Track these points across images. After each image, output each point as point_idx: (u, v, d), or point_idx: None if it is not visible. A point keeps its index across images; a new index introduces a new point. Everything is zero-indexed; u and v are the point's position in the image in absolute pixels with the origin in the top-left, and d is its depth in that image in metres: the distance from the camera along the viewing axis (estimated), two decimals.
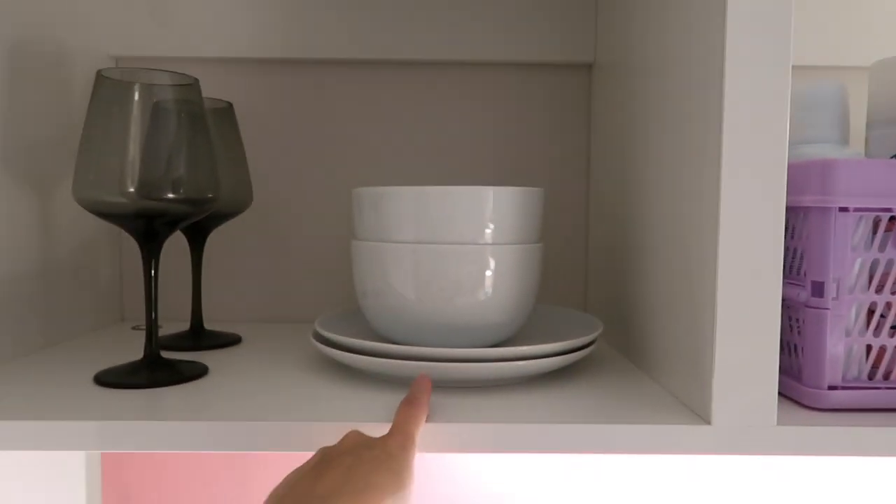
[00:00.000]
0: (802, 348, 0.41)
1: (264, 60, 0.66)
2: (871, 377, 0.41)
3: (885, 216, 0.40)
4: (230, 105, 0.57)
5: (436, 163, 0.67)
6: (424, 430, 0.37)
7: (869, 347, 0.42)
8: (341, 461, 0.32)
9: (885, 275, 0.41)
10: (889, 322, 0.41)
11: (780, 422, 0.38)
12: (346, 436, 0.35)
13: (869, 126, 0.43)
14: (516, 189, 0.47)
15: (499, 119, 0.67)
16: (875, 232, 0.41)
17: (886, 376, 0.42)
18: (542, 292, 0.68)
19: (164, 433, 0.37)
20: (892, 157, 0.42)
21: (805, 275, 0.41)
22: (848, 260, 0.40)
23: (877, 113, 0.42)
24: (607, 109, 0.59)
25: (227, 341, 0.56)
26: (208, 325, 0.66)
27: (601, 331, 0.51)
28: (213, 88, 0.67)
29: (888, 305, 0.41)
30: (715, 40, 0.37)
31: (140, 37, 0.65)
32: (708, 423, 0.37)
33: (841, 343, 0.40)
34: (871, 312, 0.41)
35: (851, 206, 0.39)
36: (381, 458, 0.32)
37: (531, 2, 0.65)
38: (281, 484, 0.32)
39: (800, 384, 0.41)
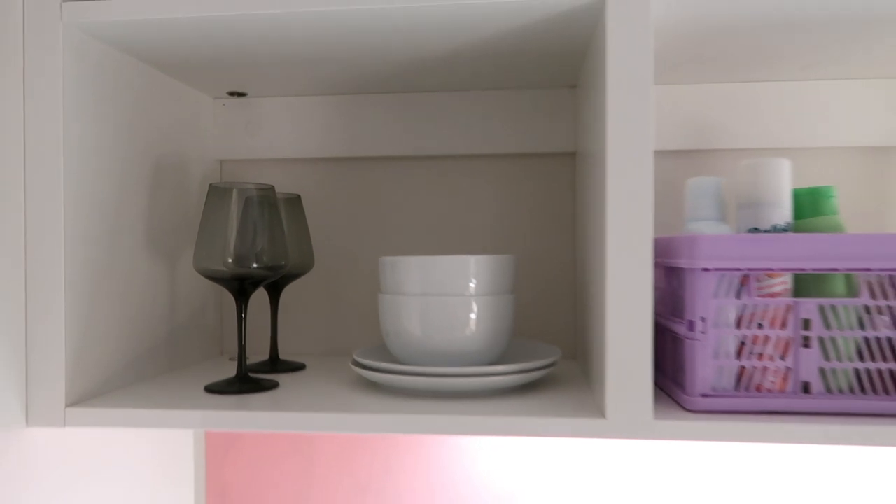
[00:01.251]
0: (685, 367, 0.58)
1: (324, 159, 0.89)
2: (746, 389, 0.57)
3: (738, 274, 0.57)
4: (298, 196, 0.79)
5: (457, 234, 0.87)
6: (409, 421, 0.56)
7: (742, 367, 0.58)
8: None
9: (752, 315, 0.57)
10: (749, 349, 0.57)
11: (657, 417, 0.55)
12: None
13: (738, 207, 0.60)
14: (491, 256, 0.66)
15: (504, 200, 0.87)
16: (743, 285, 0.57)
17: (757, 389, 0.57)
18: (541, 333, 0.86)
19: (246, 418, 0.58)
20: (748, 231, 0.59)
21: (684, 315, 0.58)
22: (711, 305, 0.57)
23: (740, 198, 0.59)
24: (580, 189, 0.78)
25: (295, 367, 0.77)
26: (282, 356, 0.87)
27: (556, 358, 0.68)
28: (287, 182, 0.90)
29: (755, 338, 0.57)
30: (602, 135, 0.55)
31: (238, 145, 0.89)
32: (604, 417, 0.55)
33: (710, 364, 0.57)
34: (743, 342, 0.57)
35: (711, 266, 0.56)
36: None
37: (527, 104, 0.85)
38: None
39: (684, 393, 0.58)
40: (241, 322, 0.67)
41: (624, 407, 0.54)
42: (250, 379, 0.67)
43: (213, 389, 0.66)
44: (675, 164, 0.84)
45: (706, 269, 0.56)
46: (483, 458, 0.88)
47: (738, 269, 0.56)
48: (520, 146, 0.85)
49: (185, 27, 0.62)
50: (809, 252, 0.55)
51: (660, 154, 0.84)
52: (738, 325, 0.57)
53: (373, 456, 0.89)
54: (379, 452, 0.89)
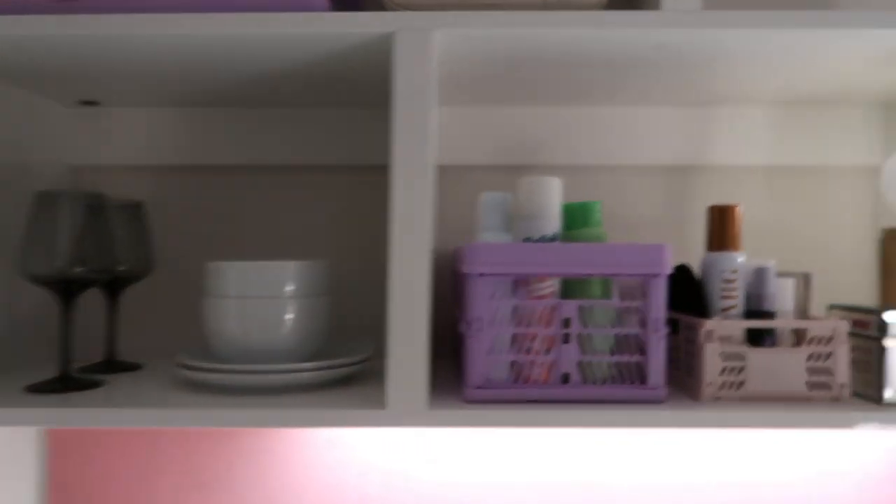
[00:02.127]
0: (465, 362, 0.65)
1: (172, 167, 0.92)
2: (516, 381, 0.65)
3: (511, 278, 0.64)
4: (139, 203, 0.83)
5: (288, 240, 0.92)
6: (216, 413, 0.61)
7: (514, 362, 0.65)
8: None
9: (523, 315, 0.64)
10: (525, 345, 0.65)
11: (433, 407, 0.61)
12: None
13: (519, 218, 0.67)
14: (304, 262, 0.71)
15: (332, 208, 0.92)
16: (516, 287, 0.64)
17: (525, 380, 0.65)
18: (377, 332, 0.92)
19: (60, 415, 0.61)
20: (524, 240, 0.66)
21: (465, 316, 0.65)
22: (486, 306, 0.64)
23: (520, 211, 0.67)
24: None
25: (129, 368, 0.80)
26: (126, 359, 0.90)
27: (366, 355, 0.74)
28: (138, 189, 0.93)
29: (525, 335, 0.64)
30: (390, 150, 0.62)
31: (90, 153, 0.92)
32: (384, 408, 0.61)
33: (484, 359, 0.64)
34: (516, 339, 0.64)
35: (487, 271, 0.63)
36: None
37: (355, 121, 0.91)
38: None
39: (463, 385, 0.65)
40: (64, 324, 0.70)
41: (402, 397, 0.61)
42: (72, 378, 0.70)
43: (34, 389, 0.68)
44: (504, 178, 0.92)
45: (482, 274, 0.64)
46: (328, 452, 0.93)
47: (510, 274, 0.64)
48: (344, 159, 0.91)
49: (31, 42, 0.65)
50: (569, 259, 0.63)
51: (488, 169, 0.92)
52: (512, 323, 0.64)
53: (215, 451, 0.93)
54: (221, 448, 0.93)
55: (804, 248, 0.91)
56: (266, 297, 0.70)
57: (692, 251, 0.91)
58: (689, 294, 0.70)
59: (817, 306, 0.77)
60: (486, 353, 0.64)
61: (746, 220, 0.91)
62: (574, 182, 0.91)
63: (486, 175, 0.92)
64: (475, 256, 0.63)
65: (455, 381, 0.73)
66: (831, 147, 0.90)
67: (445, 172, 0.92)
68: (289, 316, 0.70)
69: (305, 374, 0.67)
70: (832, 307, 0.72)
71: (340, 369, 0.70)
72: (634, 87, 0.81)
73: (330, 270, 0.74)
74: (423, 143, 0.61)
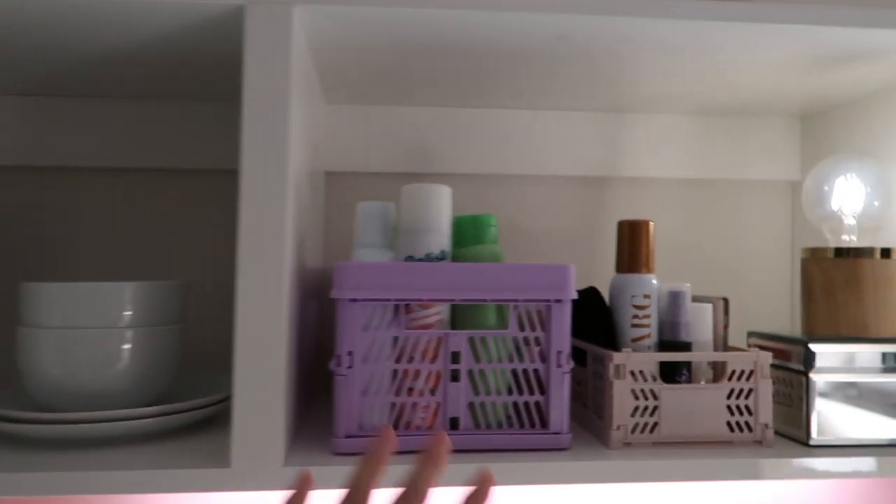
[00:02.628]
0: (335, 406, 0.54)
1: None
2: (396, 426, 0.54)
3: (389, 305, 0.53)
4: None
5: (131, 256, 0.79)
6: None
7: (394, 403, 0.54)
8: None
9: (405, 348, 0.54)
10: (407, 384, 0.54)
11: (288, 463, 0.50)
12: None
13: (402, 233, 0.57)
14: (150, 283, 0.59)
15: (182, 220, 0.79)
16: (396, 315, 0.54)
17: (406, 426, 0.54)
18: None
19: None
20: (405, 259, 0.56)
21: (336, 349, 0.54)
22: (359, 338, 0.53)
23: (402, 224, 0.56)
24: None
25: None
26: None
27: (221, 396, 0.62)
28: None
29: (406, 372, 0.54)
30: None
31: None
32: (228, 466, 0.49)
33: (357, 401, 0.53)
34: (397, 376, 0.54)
35: (359, 297, 0.53)
36: None
37: (199, 114, 0.79)
38: None
39: (332, 434, 0.54)
40: None
41: (250, 452, 0.49)
42: None
43: None
44: (398, 187, 0.81)
45: (354, 300, 0.53)
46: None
47: (387, 300, 0.53)
48: (199, 161, 0.78)
49: None
50: (458, 282, 0.53)
51: (381, 176, 0.81)
52: (392, 358, 0.54)
53: None
54: None
55: (719, 269, 0.85)
56: (96, 328, 0.57)
57: (603, 272, 0.83)
58: (597, 321, 0.61)
59: (735, 333, 0.70)
60: (358, 394, 0.53)
61: (660, 237, 0.84)
62: (472, 192, 0.82)
63: (379, 183, 0.81)
64: (345, 278, 0.53)
65: (330, 428, 0.62)
66: (750, 160, 0.84)
67: (333, 179, 0.81)
68: (125, 348, 0.58)
69: (141, 423, 0.55)
70: (752, 335, 0.65)
71: (186, 414, 0.58)
72: (540, 87, 0.72)
73: (180, 292, 0.62)
74: (280, 143, 0.50)
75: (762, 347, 0.62)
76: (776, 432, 0.60)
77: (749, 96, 0.75)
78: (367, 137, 0.80)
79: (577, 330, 0.63)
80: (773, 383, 0.61)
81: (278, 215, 0.50)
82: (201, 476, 0.49)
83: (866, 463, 0.54)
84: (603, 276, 0.83)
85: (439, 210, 0.56)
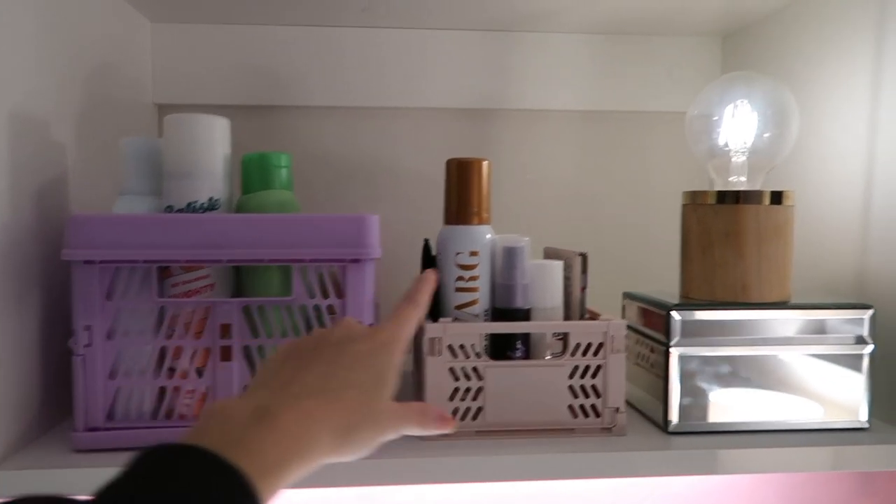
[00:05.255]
0: (74, 393, 0.43)
1: None
2: (156, 416, 0.44)
3: (140, 267, 0.43)
4: None
5: None
6: None
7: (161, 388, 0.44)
8: (325, 353, 0.32)
9: (172, 320, 0.44)
10: (167, 364, 0.44)
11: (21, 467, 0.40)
12: (341, 322, 0.35)
13: (165, 177, 0.45)
14: None
15: None
16: (149, 280, 0.43)
17: (168, 415, 0.44)
18: None
19: None
20: (165, 210, 0.45)
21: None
22: (101, 309, 0.42)
23: (167, 167, 0.45)
24: None
25: None
26: None
27: None
28: None
29: (165, 349, 0.44)
30: None
31: None
32: None
33: (102, 386, 0.43)
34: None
35: (96, 258, 0.42)
36: (364, 354, 0.32)
37: None
38: (274, 360, 0.33)
39: (72, 428, 0.43)
40: None
41: None
42: None
43: None
44: (240, 124, 0.69)
45: (89, 262, 0.42)
46: None
47: (133, 262, 0.42)
48: None
49: None
50: (229, 238, 0.43)
51: (222, 110, 0.69)
52: (149, 334, 0.43)
53: None
54: None
55: (620, 220, 0.73)
56: None
57: None
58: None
59: (612, 296, 0.58)
60: (103, 377, 0.43)
61: (553, 181, 0.72)
62: (333, 129, 0.70)
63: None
64: (78, 235, 0.42)
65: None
66: (661, 88, 0.72)
67: (163, 113, 0.69)
68: None
69: None
70: (626, 296, 0.54)
71: None
72: None
73: None
74: None
75: (639, 315, 0.52)
76: (646, 417, 0.50)
77: (662, 9, 0.63)
78: (202, 62, 0.68)
79: None
80: (644, 358, 0.50)
81: None
82: None
83: (736, 456, 0.44)
84: None
85: (209, 147, 0.45)
